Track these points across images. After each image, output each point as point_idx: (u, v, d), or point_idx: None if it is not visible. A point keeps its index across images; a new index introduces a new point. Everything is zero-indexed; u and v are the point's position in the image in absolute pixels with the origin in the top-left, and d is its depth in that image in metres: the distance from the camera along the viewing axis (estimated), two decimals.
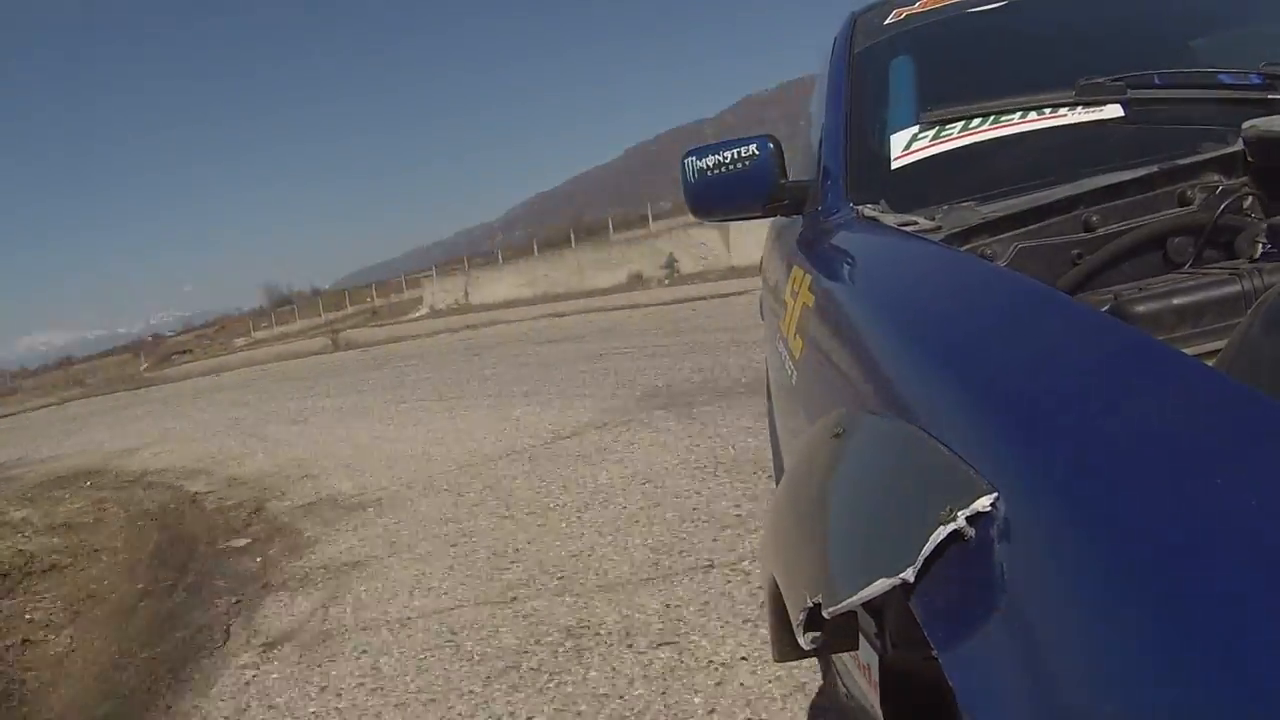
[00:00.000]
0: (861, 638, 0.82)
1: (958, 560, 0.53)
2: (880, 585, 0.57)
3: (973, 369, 0.71)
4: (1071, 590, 0.44)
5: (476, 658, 2.46)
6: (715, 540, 2.93)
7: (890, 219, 1.28)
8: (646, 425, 4.85)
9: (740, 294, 12.09)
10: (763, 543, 0.94)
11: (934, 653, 0.51)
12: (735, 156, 1.60)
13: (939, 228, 1.21)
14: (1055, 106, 1.43)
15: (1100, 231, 1.16)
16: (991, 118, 1.46)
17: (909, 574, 0.54)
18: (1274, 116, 1.16)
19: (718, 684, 2.05)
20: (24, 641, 3.53)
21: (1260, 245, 1.05)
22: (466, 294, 28.12)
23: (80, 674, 3.19)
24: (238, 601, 3.45)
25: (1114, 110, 1.40)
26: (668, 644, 2.29)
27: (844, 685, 0.99)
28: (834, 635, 0.74)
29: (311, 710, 2.40)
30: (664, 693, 2.07)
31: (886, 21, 1.86)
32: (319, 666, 2.66)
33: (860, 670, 0.88)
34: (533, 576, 2.98)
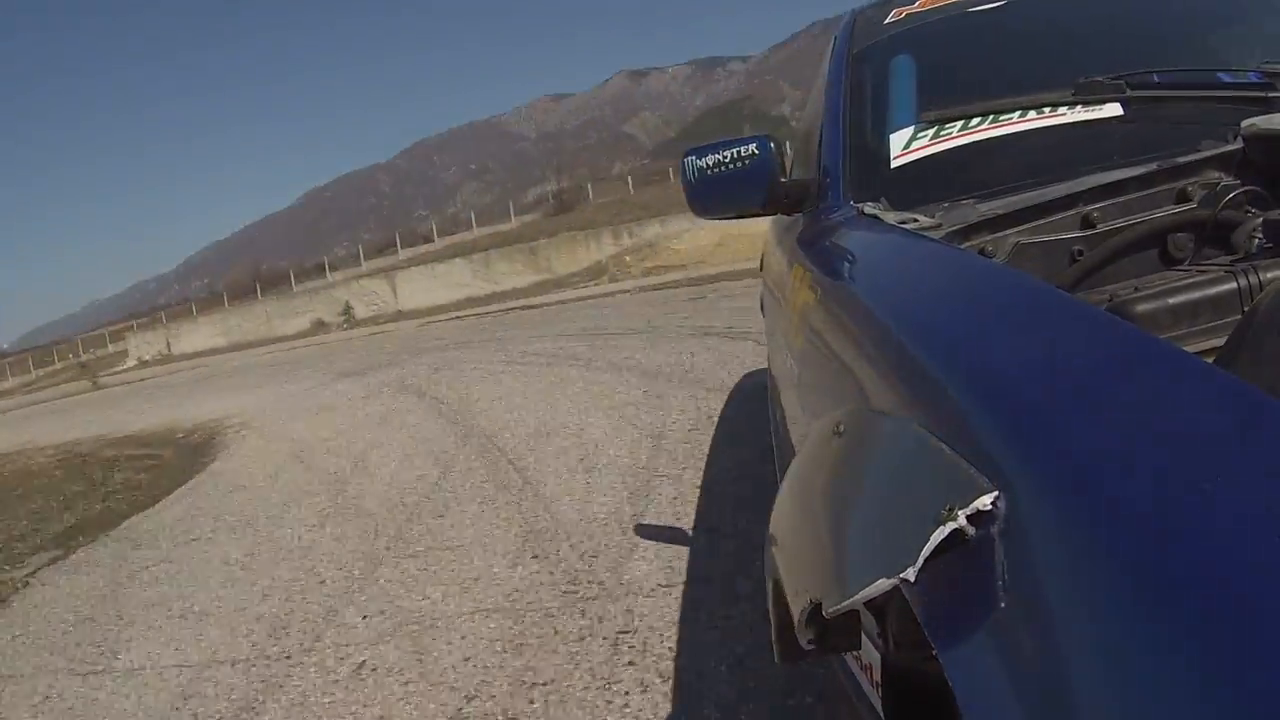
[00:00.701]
0: (864, 637, 0.81)
1: (958, 559, 0.53)
2: (880, 585, 0.57)
3: (973, 366, 0.70)
4: (1072, 590, 0.44)
5: (301, 420, 9.89)
6: (360, 397, 10.50)
7: (890, 217, 1.28)
8: (339, 384, 12.28)
9: (398, 330, 19.94)
10: (766, 543, 0.96)
11: (935, 652, 0.52)
12: (735, 155, 1.61)
13: (939, 225, 1.22)
14: (1055, 105, 1.44)
15: (1100, 228, 1.15)
16: (991, 117, 1.47)
17: (909, 573, 0.54)
18: (1273, 114, 1.15)
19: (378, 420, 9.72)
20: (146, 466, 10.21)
21: (1256, 240, 1.05)
22: (169, 345, 32.28)
23: (167, 463, 9.96)
24: (212, 437, 10.41)
25: (1113, 109, 1.41)
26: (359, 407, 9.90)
27: (846, 685, 0.97)
28: (836, 635, 0.74)
29: (266, 433, 9.64)
30: (367, 397, 9.67)
31: (886, 21, 1.90)
32: (263, 432, 9.86)
33: (863, 670, 0.87)
34: (308, 409, 10.36)
